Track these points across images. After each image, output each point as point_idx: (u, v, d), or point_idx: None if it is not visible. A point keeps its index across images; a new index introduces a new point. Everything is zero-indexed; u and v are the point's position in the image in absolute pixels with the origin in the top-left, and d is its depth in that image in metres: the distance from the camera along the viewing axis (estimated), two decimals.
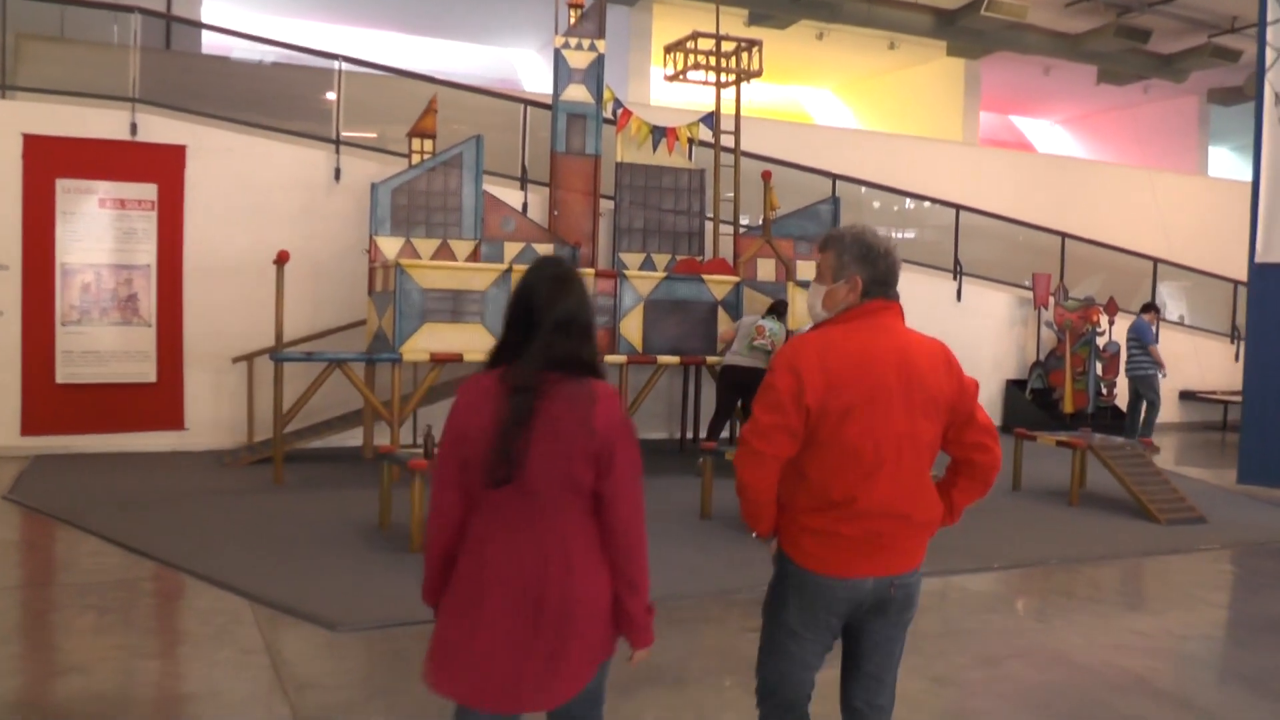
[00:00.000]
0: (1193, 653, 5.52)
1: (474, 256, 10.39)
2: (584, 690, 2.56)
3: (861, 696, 2.97)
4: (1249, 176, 13.89)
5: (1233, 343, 16.98)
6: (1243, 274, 15.29)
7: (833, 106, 22.54)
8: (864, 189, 14.90)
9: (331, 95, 11.77)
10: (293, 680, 4.54)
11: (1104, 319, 14.87)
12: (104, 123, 10.56)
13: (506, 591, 2.47)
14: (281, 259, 9.13)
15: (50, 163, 10.26)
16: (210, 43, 14.44)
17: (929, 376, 2.82)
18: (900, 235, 16.10)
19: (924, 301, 13.64)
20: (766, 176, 11.56)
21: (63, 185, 10.31)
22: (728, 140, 12.01)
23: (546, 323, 2.52)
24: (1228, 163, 24.17)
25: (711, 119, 11.84)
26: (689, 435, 12.02)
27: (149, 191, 10.65)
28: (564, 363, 2.52)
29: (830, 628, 2.90)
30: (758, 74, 11.79)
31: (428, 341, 9.64)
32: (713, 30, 11.75)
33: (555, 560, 2.47)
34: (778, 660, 2.98)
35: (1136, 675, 5.00)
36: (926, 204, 15.69)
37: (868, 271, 2.85)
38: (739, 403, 10.18)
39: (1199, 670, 5.23)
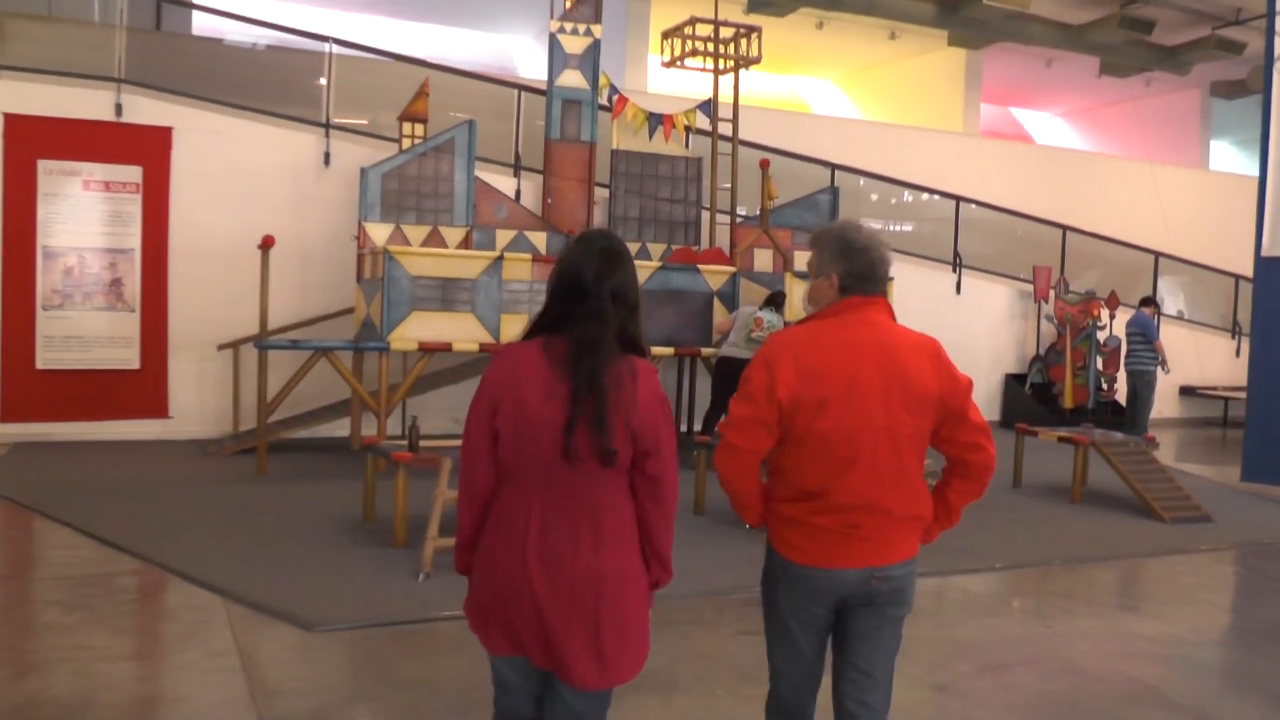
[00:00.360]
0: (1205, 660, 5.32)
1: (465, 244, 10.17)
2: (603, 691, 2.53)
3: (852, 695, 2.88)
4: (1250, 171, 13.69)
5: (1233, 338, 16.81)
6: (1243, 269, 15.15)
7: (832, 97, 22.29)
8: (863, 180, 14.68)
9: (323, 80, 11.53)
10: (262, 685, 4.32)
11: (1105, 313, 14.67)
12: (88, 103, 10.33)
13: (540, 566, 2.44)
14: (266, 244, 8.90)
15: (32, 143, 10.03)
16: (201, 24, 14.17)
17: (913, 371, 2.77)
18: (899, 227, 15.91)
19: (923, 294, 13.45)
20: (764, 165, 11.33)
21: (44, 166, 10.08)
22: (725, 128, 11.78)
23: (601, 296, 2.49)
24: (1229, 157, 23.97)
25: (709, 106, 11.62)
26: (683, 428, 11.81)
27: (134, 174, 10.43)
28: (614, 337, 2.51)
29: (819, 620, 2.86)
30: (756, 60, 11.56)
31: (416, 330, 9.41)
32: (711, 16, 11.51)
33: (585, 537, 2.46)
34: (778, 653, 2.96)
35: (1148, 685, 4.80)
36: (926, 195, 15.47)
37: (844, 267, 2.85)
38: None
39: (1212, 679, 5.03)
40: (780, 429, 2.77)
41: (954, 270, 14.55)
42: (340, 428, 10.70)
